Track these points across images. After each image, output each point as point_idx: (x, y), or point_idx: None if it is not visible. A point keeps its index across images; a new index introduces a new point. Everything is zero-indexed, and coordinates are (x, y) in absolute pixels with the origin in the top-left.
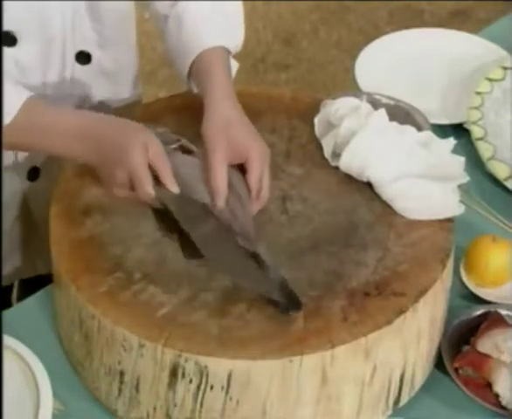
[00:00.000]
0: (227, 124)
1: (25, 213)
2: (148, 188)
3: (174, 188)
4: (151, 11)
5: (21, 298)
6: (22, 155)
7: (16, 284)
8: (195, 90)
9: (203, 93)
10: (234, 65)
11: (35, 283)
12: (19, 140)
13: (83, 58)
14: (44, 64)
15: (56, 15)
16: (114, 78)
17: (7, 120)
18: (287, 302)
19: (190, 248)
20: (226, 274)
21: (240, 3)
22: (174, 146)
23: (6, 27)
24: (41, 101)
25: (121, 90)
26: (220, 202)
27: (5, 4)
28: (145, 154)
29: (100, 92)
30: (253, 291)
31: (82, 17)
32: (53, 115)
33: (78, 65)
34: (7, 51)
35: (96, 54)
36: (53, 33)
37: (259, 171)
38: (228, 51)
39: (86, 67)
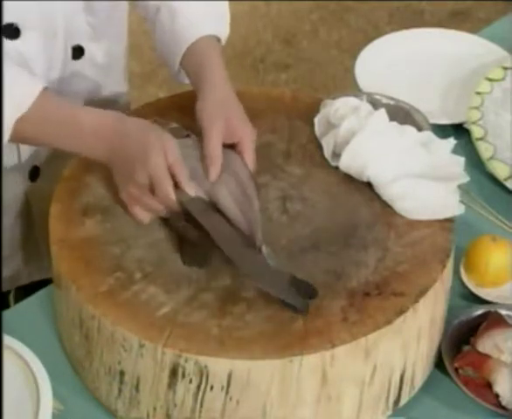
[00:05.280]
0: (224, 104)
1: (26, 213)
2: (170, 190)
3: (191, 192)
4: (138, 5)
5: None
6: (25, 155)
7: (11, 296)
8: (185, 80)
9: (198, 78)
10: None
11: (31, 291)
12: (32, 132)
13: (76, 52)
14: (46, 56)
15: (58, 8)
16: (105, 70)
17: (21, 111)
18: (298, 300)
19: (190, 254)
20: (248, 277)
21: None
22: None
23: (10, 19)
24: (55, 94)
25: (111, 82)
26: (214, 173)
27: None
28: (164, 157)
29: (89, 84)
30: (271, 293)
31: (78, 11)
32: (69, 109)
33: (71, 59)
34: (11, 43)
35: (89, 47)
36: (55, 26)
37: (253, 152)
38: (220, 41)
39: (78, 61)
